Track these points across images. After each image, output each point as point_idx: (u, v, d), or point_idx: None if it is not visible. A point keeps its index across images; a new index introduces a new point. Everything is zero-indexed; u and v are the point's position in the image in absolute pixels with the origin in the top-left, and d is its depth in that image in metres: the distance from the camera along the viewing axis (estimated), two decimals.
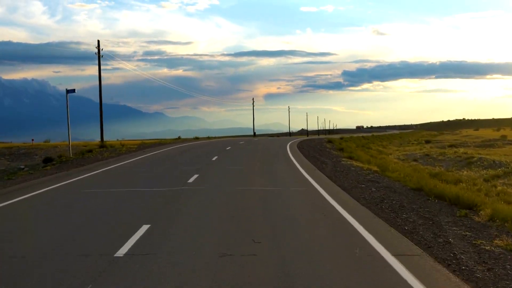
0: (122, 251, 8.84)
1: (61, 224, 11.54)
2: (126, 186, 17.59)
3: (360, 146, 59.93)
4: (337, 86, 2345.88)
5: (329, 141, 57.37)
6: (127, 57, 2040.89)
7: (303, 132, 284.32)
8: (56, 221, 12.00)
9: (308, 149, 39.51)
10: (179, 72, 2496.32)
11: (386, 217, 12.16)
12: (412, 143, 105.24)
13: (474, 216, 12.20)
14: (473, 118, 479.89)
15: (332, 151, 38.95)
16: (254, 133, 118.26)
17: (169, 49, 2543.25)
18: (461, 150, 48.44)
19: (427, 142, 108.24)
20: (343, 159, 30.88)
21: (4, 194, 16.87)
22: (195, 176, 19.87)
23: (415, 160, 41.39)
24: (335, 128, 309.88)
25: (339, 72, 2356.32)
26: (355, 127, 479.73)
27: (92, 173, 22.58)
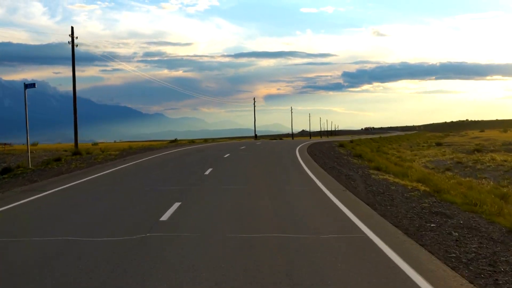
0: None
1: None
2: (53, 232, 11.31)
3: (374, 150, 53.62)
4: (337, 87, 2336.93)
5: (341, 145, 51.06)
6: (127, 58, 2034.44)
7: (304, 133, 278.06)
8: None
9: (321, 156, 33.25)
10: (179, 73, 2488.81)
11: None
12: (422, 146, 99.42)
13: None
14: (476, 119, 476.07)
15: (350, 159, 32.70)
16: (256, 135, 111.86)
17: (169, 50, 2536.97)
18: (497, 156, 42.20)
19: (438, 144, 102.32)
20: (370, 171, 24.64)
21: None
22: (174, 207, 13.44)
23: (447, 169, 35.15)
24: (336, 129, 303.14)
25: (339, 73, 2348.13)
26: (361, 129, 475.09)
27: (22, 201, 16.30)
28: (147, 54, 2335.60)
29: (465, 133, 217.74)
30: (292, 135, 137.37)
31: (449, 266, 8.29)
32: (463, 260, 8.65)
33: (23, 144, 50.95)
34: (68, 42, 39.82)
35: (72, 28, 40.46)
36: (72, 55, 40.86)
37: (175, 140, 79.27)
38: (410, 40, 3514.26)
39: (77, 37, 39.80)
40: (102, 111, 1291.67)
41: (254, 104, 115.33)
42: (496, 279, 7.68)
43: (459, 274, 7.90)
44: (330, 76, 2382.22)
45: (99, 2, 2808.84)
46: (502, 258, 8.74)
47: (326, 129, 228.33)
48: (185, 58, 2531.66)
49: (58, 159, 28.80)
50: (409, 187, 18.26)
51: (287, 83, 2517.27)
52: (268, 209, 13.19)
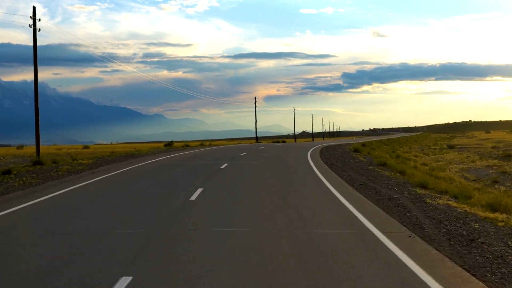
0: None
1: None
2: None
3: (392, 155, 47.25)
4: (336, 88, 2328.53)
5: (355, 149, 44.65)
6: (127, 59, 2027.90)
7: (305, 134, 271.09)
8: None
9: (341, 166, 26.88)
10: (179, 74, 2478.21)
11: None
12: (434, 149, 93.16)
13: None
14: (479, 120, 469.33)
15: (377, 169, 26.36)
16: (257, 137, 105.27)
17: (169, 51, 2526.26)
18: None
19: (450, 147, 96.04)
20: (416, 190, 18.32)
21: None
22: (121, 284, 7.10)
23: (495, 181, 28.86)
24: (338, 130, 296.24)
25: (339, 74, 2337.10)
26: (369, 129, 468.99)
27: None
28: (147, 55, 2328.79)
29: (471, 134, 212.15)
30: (294, 137, 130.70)
31: None
32: None
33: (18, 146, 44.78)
34: (30, 25, 33.38)
35: (34, 8, 33.99)
36: (34, 40, 34.39)
37: (171, 143, 73.01)
38: (409, 41, 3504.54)
39: (39, 20, 33.37)
40: (101, 112, 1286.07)
41: (255, 105, 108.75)
42: None
43: None
44: (330, 77, 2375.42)
45: (98, 3, 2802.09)
46: None
47: (326, 131, 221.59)
48: (184, 59, 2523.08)
49: (7, 172, 22.39)
50: (500, 224, 11.92)
51: (287, 84, 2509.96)
52: None
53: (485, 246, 9.75)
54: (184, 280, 7.32)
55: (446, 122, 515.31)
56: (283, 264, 8.23)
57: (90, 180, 20.17)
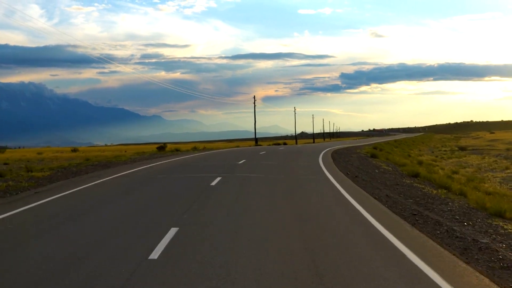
0: None
1: None
2: None
3: (413, 161, 41.19)
4: (335, 88, 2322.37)
5: (373, 155, 38.55)
6: (125, 60, 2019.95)
7: (304, 135, 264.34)
8: None
9: (369, 180, 20.79)
10: (177, 75, 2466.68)
11: None
12: (444, 151, 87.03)
13: None
14: (481, 120, 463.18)
15: (418, 185, 20.33)
16: (256, 140, 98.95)
17: (167, 52, 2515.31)
18: None
19: (461, 149, 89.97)
20: (495, 221, 12.35)
21: None
22: None
23: None
24: (337, 131, 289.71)
25: (337, 74, 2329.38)
26: (365, 130, 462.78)
27: None
28: (145, 56, 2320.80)
29: (476, 134, 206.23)
30: (295, 139, 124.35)
31: None
32: None
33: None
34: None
35: None
36: None
37: (165, 146, 66.93)
38: (408, 42, 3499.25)
39: None
40: (99, 113, 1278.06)
41: (254, 104, 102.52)
42: None
43: None
44: (328, 77, 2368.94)
45: (96, 4, 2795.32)
46: None
47: (326, 131, 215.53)
48: (182, 60, 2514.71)
49: None
50: None
51: (285, 85, 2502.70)
52: None
53: None
54: None
55: (447, 122, 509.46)
56: None
57: (27, 205, 14.07)
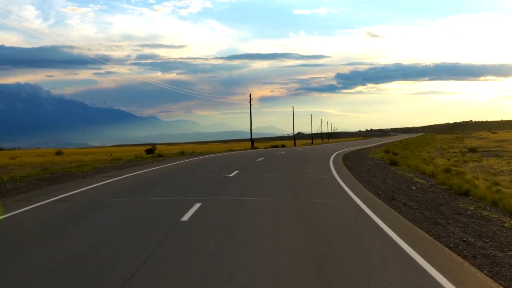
0: None
1: None
2: None
3: (437, 168, 35.06)
4: (331, 88, 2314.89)
5: (392, 162, 32.35)
6: (121, 61, 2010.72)
7: (300, 135, 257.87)
8: None
9: (414, 205, 14.61)
10: (173, 75, 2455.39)
11: None
12: (454, 152, 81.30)
13: None
14: (480, 120, 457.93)
15: (488, 214, 14.17)
16: (252, 141, 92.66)
17: (163, 53, 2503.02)
18: None
19: (472, 150, 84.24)
20: None
21: None
22: None
23: None
24: (335, 131, 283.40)
25: (333, 74, 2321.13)
26: (363, 130, 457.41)
27: None
28: (141, 57, 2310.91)
29: (478, 135, 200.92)
30: (294, 140, 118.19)
31: None
32: None
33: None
34: None
35: None
36: None
37: (154, 149, 60.80)
38: (403, 41, 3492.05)
39: None
40: (95, 114, 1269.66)
41: (250, 103, 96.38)
42: None
43: None
44: (324, 77, 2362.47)
45: (91, 5, 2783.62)
46: None
47: (321, 132, 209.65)
48: (178, 60, 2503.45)
49: None
50: None
51: (281, 85, 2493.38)
52: None
53: None
54: None
55: (446, 122, 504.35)
56: None
57: None
